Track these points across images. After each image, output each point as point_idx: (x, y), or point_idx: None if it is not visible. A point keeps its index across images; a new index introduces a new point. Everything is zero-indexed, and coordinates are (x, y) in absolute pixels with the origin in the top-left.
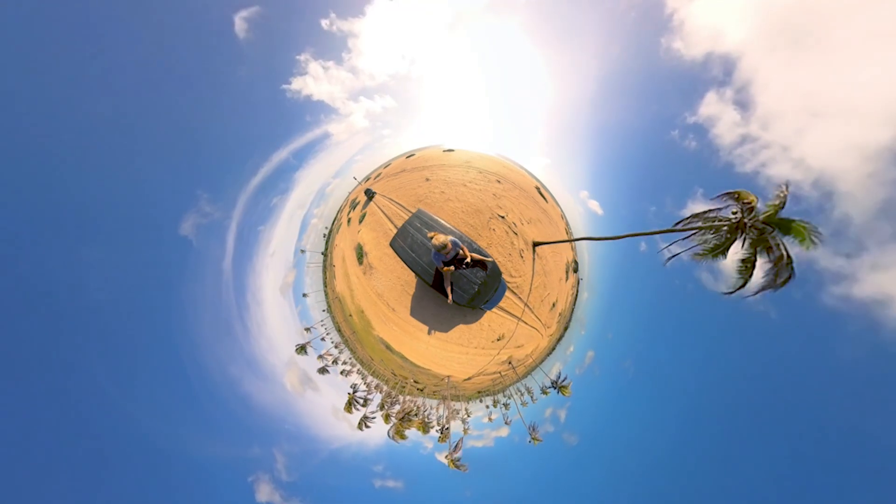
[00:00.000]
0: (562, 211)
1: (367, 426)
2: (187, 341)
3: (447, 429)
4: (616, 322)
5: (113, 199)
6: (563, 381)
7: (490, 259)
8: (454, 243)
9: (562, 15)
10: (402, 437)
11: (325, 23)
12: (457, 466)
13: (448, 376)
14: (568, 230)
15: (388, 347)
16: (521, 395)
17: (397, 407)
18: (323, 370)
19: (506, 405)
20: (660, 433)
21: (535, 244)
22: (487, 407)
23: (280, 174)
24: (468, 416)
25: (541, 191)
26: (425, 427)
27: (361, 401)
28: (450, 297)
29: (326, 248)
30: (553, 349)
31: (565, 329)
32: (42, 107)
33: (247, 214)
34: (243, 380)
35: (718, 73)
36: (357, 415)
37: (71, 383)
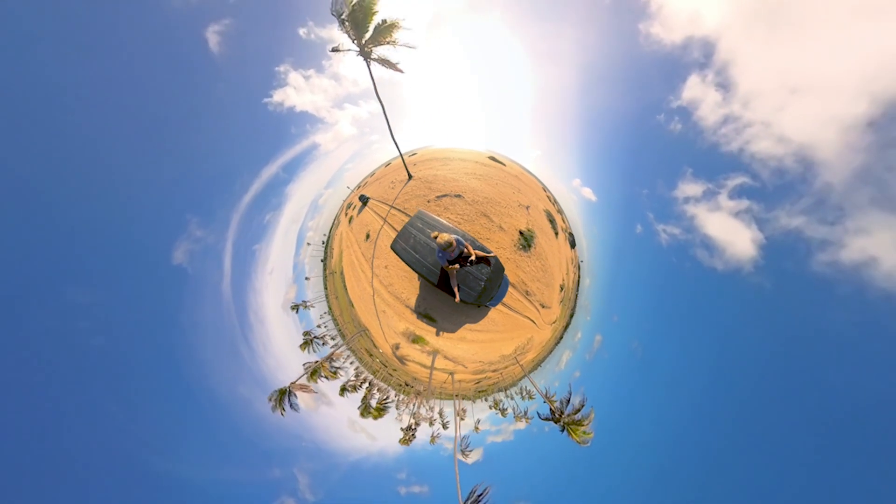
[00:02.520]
0: (526, 170)
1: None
2: (194, 369)
3: (413, 429)
4: (619, 304)
5: (94, 239)
6: (575, 413)
7: (493, 255)
8: (458, 241)
9: (540, 7)
10: (314, 380)
11: (302, 32)
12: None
13: (365, 328)
14: (547, 191)
15: (342, 273)
16: (524, 396)
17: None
18: (308, 337)
19: (503, 411)
20: (674, 409)
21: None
22: (491, 408)
23: (271, 189)
24: (461, 418)
25: (495, 158)
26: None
27: (321, 342)
28: (457, 296)
29: (326, 251)
30: (561, 338)
31: (571, 316)
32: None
33: (241, 234)
34: (255, 401)
35: (699, 56)
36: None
37: (82, 431)
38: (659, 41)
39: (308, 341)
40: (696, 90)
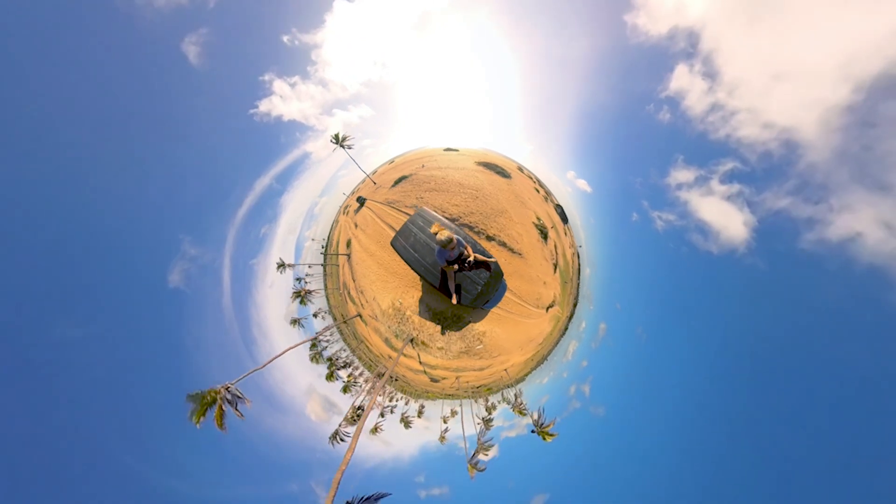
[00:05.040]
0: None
1: (299, 325)
2: (198, 388)
3: (360, 409)
4: (621, 292)
5: (79, 269)
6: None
7: (493, 260)
8: (458, 241)
9: (527, 2)
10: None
11: (286, 38)
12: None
13: (344, 253)
14: (524, 170)
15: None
16: (514, 409)
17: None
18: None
19: (487, 422)
20: (680, 391)
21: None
22: (487, 411)
23: (266, 201)
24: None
25: (451, 149)
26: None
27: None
28: (454, 298)
29: (326, 250)
30: (565, 330)
31: (574, 306)
32: None
33: (238, 249)
34: (264, 416)
35: (686, 45)
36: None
37: (94, 465)
38: (646, 32)
39: (301, 294)
40: (684, 80)
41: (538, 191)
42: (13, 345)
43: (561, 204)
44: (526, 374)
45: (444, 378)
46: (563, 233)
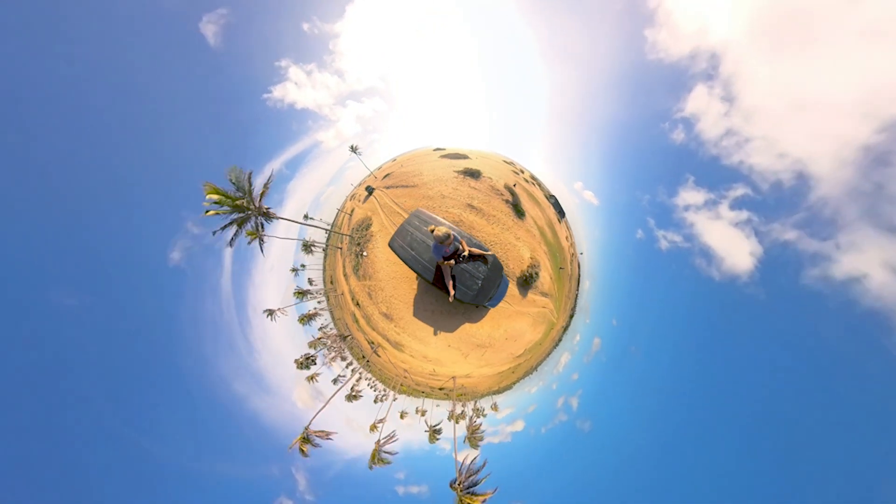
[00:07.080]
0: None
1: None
2: (190, 362)
3: (311, 359)
4: (619, 308)
5: (82, 240)
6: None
7: (490, 253)
8: (455, 237)
9: (547, 7)
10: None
11: (306, 26)
12: None
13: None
14: (512, 162)
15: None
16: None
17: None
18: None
19: (434, 433)
20: (667, 413)
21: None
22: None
23: (273, 186)
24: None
25: (439, 147)
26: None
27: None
28: (451, 293)
29: (329, 235)
30: (560, 340)
31: (570, 317)
32: None
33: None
34: (251, 397)
35: (706, 67)
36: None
37: (80, 431)
38: (665, 49)
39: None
40: (701, 101)
41: (518, 174)
42: (8, 307)
43: (565, 213)
44: (506, 387)
45: (379, 346)
46: (557, 220)
